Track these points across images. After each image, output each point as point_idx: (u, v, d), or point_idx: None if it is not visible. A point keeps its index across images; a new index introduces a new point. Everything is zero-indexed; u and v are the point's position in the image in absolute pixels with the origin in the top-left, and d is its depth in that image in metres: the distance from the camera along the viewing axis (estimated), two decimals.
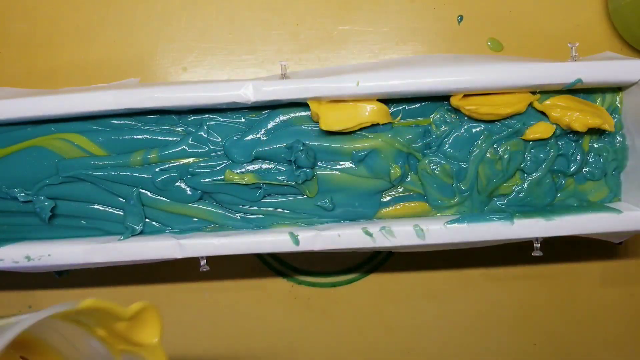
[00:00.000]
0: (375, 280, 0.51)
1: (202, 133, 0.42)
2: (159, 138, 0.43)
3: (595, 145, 0.44)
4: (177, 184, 0.43)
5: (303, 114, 0.43)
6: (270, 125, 0.43)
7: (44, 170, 0.43)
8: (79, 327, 0.31)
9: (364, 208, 0.43)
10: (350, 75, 0.40)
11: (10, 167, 0.43)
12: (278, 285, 0.51)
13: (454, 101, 0.42)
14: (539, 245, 0.43)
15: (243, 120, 0.43)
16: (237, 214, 0.44)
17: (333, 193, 0.43)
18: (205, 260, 0.42)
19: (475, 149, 0.43)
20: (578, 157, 0.43)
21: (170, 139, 0.43)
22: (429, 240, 0.41)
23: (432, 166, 0.43)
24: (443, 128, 0.43)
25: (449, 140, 0.43)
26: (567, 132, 0.43)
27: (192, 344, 0.51)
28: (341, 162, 0.43)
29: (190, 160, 0.43)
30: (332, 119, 0.41)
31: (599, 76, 0.40)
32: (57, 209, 0.43)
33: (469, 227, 0.41)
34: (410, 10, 0.50)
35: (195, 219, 0.44)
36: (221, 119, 0.43)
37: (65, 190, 0.43)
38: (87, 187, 0.43)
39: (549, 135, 0.42)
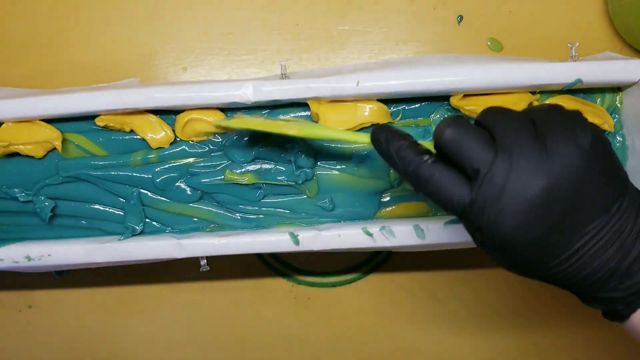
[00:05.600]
0: (375, 280, 0.51)
1: None
2: None
3: None
4: (177, 184, 0.43)
5: (303, 114, 0.43)
6: None
7: (44, 171, 0.43)
8: None
9: (364, 208, 0.43)
10: (350, 75, 0.40)
11: (10, 167, 0.43)
12: (278, 285, 0.51)
13: (454, 101, 0.42)
14: None
15: None
16: (237, 214, 0.44)
17: (333, 193, 0.43)
18: (205, 260, 0.42)
19: None
20: None
21: None
22: (429, 240, 0.41)
23: None
24: None
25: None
26: None
27: (192, 343, 0.51)
28: (341, 162, 0.43)
29: (190, 160, 0.43)
30: (332, 119, 0.41)
31: (599, 76, 0.40)
32: (58, 209, 0.43)
33: None
34: (410, 10, 0.50)
35: (195, 219, 0.44)
36: None
37: (66, 190, 0.43)
38: (87, 187, 0.43)
39: None
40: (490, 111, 0.27)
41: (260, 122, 0.36)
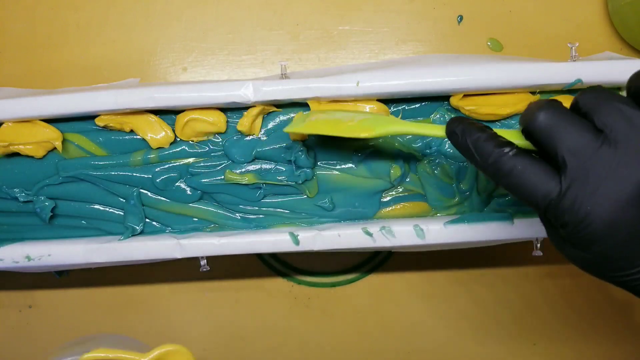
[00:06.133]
0: (375, 280, 0.51)
1: None
2: None
3: None
4: (177, 184, 0.43)
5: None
6: (270, 125, 0.43)
7: (44, 171, 0.43)
8: None
9: (364, 208, 0.43)
10: (350, 75, 0.40)
11: (10, 167, 0.43)
12: (278, 285, 0.51)
13: (454, 101, 0.42)
14: (539, 245, 0.43)
15: None
16: (237, 214, 0.44)
17: (333, 193, 0.43)
18: (205, 260, 0.42)
19: None
20: None
21: None
22: (429, 240, 0.41)
23: (432, 166, 0.43)
24: None
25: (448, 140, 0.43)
26: None
27: (192, 343, 0.51)
28: (341, 162, 0.43)
29: (190, 160, 0.43)
30: None
31: (599, 76, 0.40)
32: (58, 209, 0.43)
33: (469, 227, 0.41)
34: (410, 11, 0.50)
35: (195, 219, 0.44)
36: None
37: (66, 190, 0.43)
38: (87, 187, 0.43)
39: None
40: (593, 92, 0.24)
41: (332, 125, 0.35)
